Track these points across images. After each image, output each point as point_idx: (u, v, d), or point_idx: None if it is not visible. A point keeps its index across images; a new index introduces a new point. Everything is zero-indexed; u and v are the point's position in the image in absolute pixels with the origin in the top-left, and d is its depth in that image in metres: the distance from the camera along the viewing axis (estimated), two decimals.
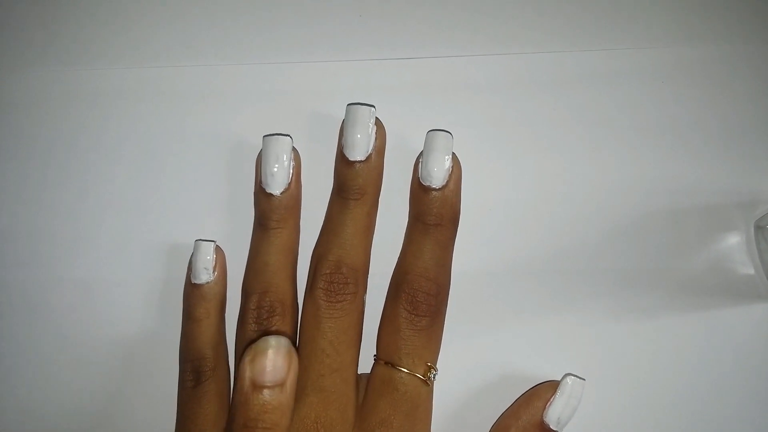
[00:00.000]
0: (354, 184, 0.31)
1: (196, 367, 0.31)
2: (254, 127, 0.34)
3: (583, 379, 0.30)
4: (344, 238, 0.31)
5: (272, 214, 0.32)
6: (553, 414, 0.30)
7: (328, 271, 0.31)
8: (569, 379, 0.30)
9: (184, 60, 0.36)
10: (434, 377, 0.30)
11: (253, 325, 0.31)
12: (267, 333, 0.30)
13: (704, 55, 0.34)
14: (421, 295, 0.30)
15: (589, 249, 0.33)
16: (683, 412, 0.32)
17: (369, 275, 0.32)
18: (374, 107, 0.32)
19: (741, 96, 0.34)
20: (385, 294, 0.31)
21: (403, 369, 0.30)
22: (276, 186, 0.32)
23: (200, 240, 0.33)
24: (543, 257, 0.33)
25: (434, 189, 0.31)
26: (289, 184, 0.32)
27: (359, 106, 0.31)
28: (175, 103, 0.36)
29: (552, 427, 0.30)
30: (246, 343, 0.30)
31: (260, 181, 0.32)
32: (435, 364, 0.31)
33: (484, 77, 0.35)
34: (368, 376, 0.31)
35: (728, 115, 0.34)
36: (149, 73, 0.36)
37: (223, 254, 0.33)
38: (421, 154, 0.32)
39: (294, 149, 0.32)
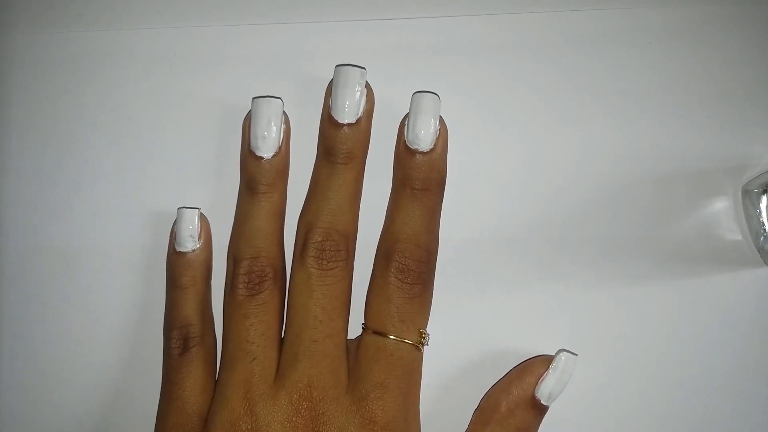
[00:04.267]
0: (343, 148, 0.31)
1: (184, 333, 0.31)
2: (236, 90, 0.34)
3: (576, 355, 0.30)
4: (334, 203, 0.30)
5: (262, 177, 0.31)
6: (545, 390, 0.30)
7: (319, 239, 0.30)
8: (563, 356, 0.30)
9: (163, 22, 0.35)
10: (426, 342, 0.30)
11: (244, 290, 0.30)
12: (258, 298, 0.30)
13: (693, 17, 0.34)
14: (412, 262, 0.30)
15: (576, 216, 0.33)
16: (672, 379, 0.32)
17: None
18: (365, 69, 0.31)
19: (730, 59, 0.33)
20: (369, 261, 0.31)
21: (396, 336, 0.29)
22: (267, 149, 0.31)
23: (184, 207, 0.32)
24: (529, 224, 0.33)
25: (421, 152, 0.30)
26: (280, 147, 0.31)
27: (349, 67, 0.31)
28: (155, 67, 0.34)
29: (543, 402, 0.30)
30: (236, 309, 0.30)
31: (249, 144, 0.31)
32: (425, 329, 0.30)
33: (470, 38, 0.34)
34: (357, 344, 0.31)
35: (717, 78, 0.33)
36: (127, 36, 0.35)
37: (208, 221, 0.32)
38: (406, 116, 0.31)
39: (284, 112, 0.32)
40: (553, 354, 0.31)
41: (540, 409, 0.30)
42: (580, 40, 0.34)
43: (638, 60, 0.34)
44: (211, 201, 0.34)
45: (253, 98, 0.31)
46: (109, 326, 0.34)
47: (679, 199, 0.33)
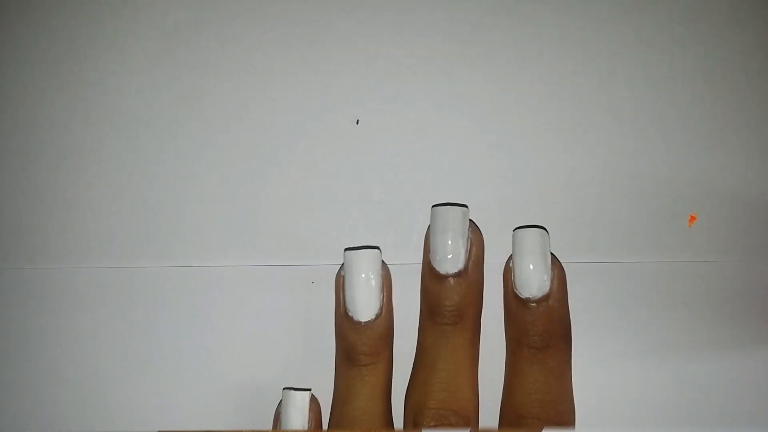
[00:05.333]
0: (449, 305, 0.26)
1: None
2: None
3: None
4: (446, 376, 0.25)
5: (363, 346, 0.26)
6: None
7: (432, 423, 0.24)
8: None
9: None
10: None
11: None
12: None
13: None
14: None
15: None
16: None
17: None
18: (467, 207, 0.27)
19: None
20: None
21: None
22: (366, 313, 0.26)
23: (291, 389, 0.27)
24: None
25: (535, 301, 0.25)
26: (381, 308, 0.26)
27: (449, 206, 0.26)
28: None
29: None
30: None
31: (344, 307, 0.26)
32: None
33: None
34: None
35: None
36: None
37: (319, 405, 0.27)
38: (510, 258, 0.26)
39: (383, 264, 0.27)
40: None
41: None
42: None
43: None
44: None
45: (346, 250, 0.27)
46: None
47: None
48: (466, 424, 0.25)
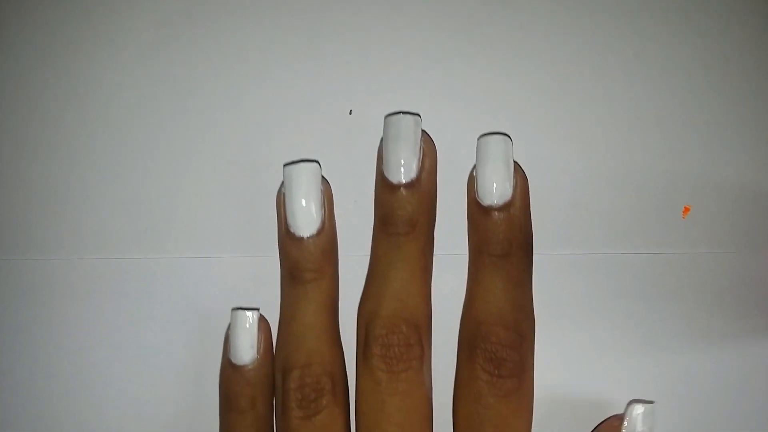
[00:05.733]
0: (402, 214, 0.25)
1: None
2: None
3: (652, 403, 0.25)
4: (398, 285, 0.25)
5: (305, 262, 0.26)
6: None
7: (383, 332, 0.24)
8: (637, 408, 0.25)
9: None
10: None
11: (297, 411, 0.24)
12: (315, 421, 0.24)
13: None
14: (500, 349, 0.24)
15: None
16: None
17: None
18: (419, 116, 0.26)
19: None
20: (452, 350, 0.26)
21: None
22: (306, 227, 0.26)
23: (239, 309, 0.27)
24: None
25: (497, 209, 0.25)
26: (323, 223, 0.26)
27: (401, 116, 0.26)
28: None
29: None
30: None
31: (286, 224, 0.26)
32: None
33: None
34: None
35: None
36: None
37: (269, 325, 0.27)
38: (474, 167, 0.26)
39: (323, 178, 0.27)
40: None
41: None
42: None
43: None
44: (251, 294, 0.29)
45: (285, 165, 0.26)
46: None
47: None
48: (416, 333, 0.24)
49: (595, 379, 0.28)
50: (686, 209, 0.28)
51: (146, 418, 0.29)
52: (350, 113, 0.29)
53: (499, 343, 0.24)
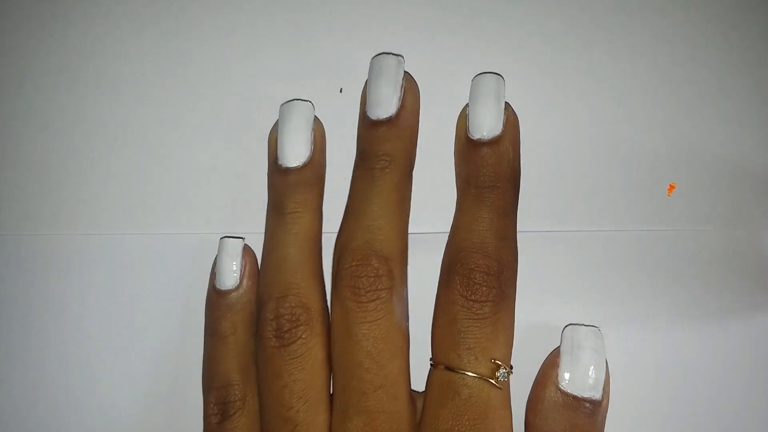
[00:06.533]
0: (379, 150, 0.25)
1: (222, 396, 0.25)
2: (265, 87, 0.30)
3: (594, 327, 0.25)
4: (370, 218, 0.25)
5: (289, 194, 0.26)
6: (566, 379, 0.23)
7: (353, 263, 0.24)
8: (567, 331, 0.24)
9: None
10: (505, 377, 0.23)
11: (273, 340, 0.24)
12: (290, 350, 0.24)
13: None
14: (478, 275, 0.24)
15: None
16: None
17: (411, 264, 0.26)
18: (402, 56, 0.27)
19: None
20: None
21: (462, 369, 0.23)
22: (293, 158, 0.26)
23: (226, 237, 0.27)
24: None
25: (486, 143, 0.25)
26: (311, 156, 0.26)
27: (384, 55, 0.27)
28: None
29: (583, 394, 0.23)
30: (266, 365, 0.24)
31: (275, 156, 0.27)
32: (506, 359, 0.24)
33: None
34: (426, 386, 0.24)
35: None
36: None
37: (254, 255, 0.27)
38: (466, 105, 0.26)
39: (316, 118, 0.27)
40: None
41: (578, 407, 0.23)
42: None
43: None
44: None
45: (281, 105, 0.27)
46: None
47: None
48: (386, 264, 0.24)
49: None
50: (671, 187, 0.28)
51: (138, 391, 0.29)
52: (341, 91, 0.30)
53: (477, 269, 0.24)
